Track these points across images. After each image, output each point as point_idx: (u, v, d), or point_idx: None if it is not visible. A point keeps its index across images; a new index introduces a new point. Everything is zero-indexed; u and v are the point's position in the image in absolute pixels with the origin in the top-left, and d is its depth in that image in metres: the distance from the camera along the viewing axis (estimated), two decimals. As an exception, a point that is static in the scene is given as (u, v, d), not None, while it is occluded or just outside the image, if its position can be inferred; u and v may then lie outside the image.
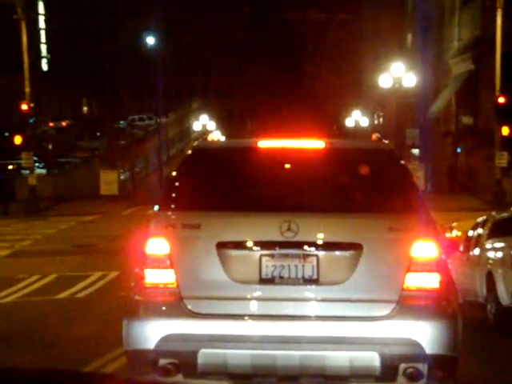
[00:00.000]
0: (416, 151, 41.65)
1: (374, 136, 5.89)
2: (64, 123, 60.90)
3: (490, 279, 9.61)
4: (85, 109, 73.03)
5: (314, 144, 5.34)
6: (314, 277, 4.74)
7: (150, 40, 53.97)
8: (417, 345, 4.61)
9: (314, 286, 4.75)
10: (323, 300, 4.73)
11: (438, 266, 4.74)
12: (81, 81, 57.60)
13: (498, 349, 9.18)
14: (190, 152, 5.47)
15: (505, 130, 27.88)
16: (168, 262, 4.74)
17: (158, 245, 4.79)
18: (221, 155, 5.39)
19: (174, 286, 4.76)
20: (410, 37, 44.94)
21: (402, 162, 5.48)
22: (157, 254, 4.77)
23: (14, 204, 31.05)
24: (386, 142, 5.97)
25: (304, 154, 5.27)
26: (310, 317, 4.72)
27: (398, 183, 5.17)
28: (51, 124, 55.44)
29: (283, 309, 4.72)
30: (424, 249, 4.73)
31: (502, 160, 28.22)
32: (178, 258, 4.74)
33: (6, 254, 19.46)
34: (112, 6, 58.73)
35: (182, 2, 66.94)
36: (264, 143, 5.34)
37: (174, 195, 5.11)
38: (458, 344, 4.79)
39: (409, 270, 4.70)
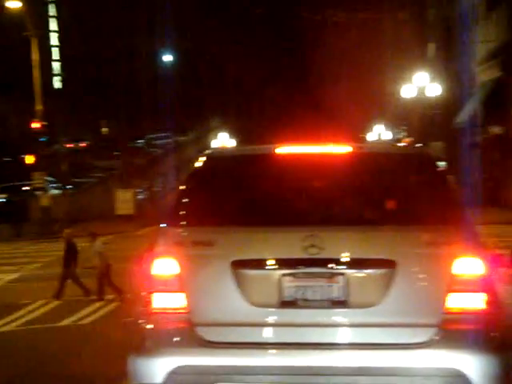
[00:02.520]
0: (442, 164, 40.52)
1: (407, 140, 5.05)
2: (83, 144, 60.68)
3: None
4: (104, 129, 72.97)
5: (340, 149, 4.76)
6: (342, 299, 4.27)
7: (168, 58, 53.52)
8: (462, 376, 4.09)
9: (342, 310, 4.26)
10: (353, 325, 4.24)
11: (485, 285, 4.26)
12: (97, 100, 57.33)
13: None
14: (200, 161, 4.87)
15: (537, 138, 26.63)
16: (177, 285, 4.31)
17: (165, 265, 4.35)
18: (235, 164, 4.84)
19: (185, 311, 4.30)
20: (432, 46, 44.00)
21: (441, 167, 4.84)
22: (165, 275, 4.33)
23: (27, 226, 30.39)
24: (421, 145, 5.15)
25: (328, 160, 4.70)
26: (339, 344, 4.25)
27: (437, 192, 4.62)
28: (70, 145, 55.13)
29: (308, 335, 4.24)
30: (468, 265, 4.23)
31: (535, 170, 27.05)
32: (188, 280, 4.31)
33: (11, 279, 18.67)
34: (129, 25, 58.52)
35: (201, 19, 66.70)
36: (283, 149, 4.77)
37: (183, 209, 4.60)
38: (510, 374, 4.20)
39: (450, 289, 4.24)
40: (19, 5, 30.60)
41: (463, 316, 4.21)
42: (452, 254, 4.24)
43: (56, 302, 15.52)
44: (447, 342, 4.16)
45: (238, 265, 4.27)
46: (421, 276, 4.24)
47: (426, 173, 4.77)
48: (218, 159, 4.97)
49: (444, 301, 4.22)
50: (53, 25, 40.68)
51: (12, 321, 13.86)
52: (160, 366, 4.23)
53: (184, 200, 4.67)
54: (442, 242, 4.27)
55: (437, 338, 4.17)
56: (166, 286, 4.30)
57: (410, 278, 4.23)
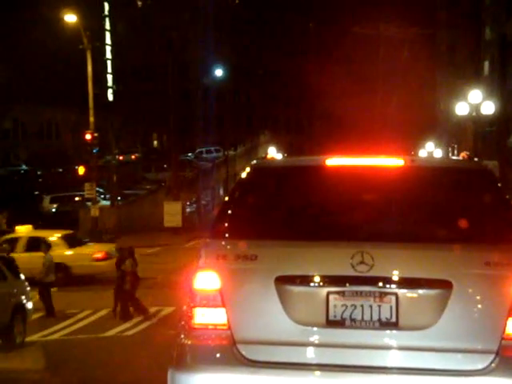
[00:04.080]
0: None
1: (464, 154, 4.99)
2: (133, 156, 61.40)
3: None
4: (155, 142, 73.86)
5: (392, 162, 4.53)
6: (393, 320, 4.02)
7: (219, 73, 53.87)
8: None
9: (392, 331, 4.02)
10: (403, 348, 4.00)
11: None
12: (148, 113, 58.05)
13: None
14: (246, 172, 4.69)
15: None
16: (219, 300, 4.14)
17: (206, 279, 4.18)
18: (282, 175, 4.63)
19: (226, 327, 4.12)
20: (487, 64, 43.35)
21: (499, 184, 4.55)
22: (206, 289, 4.17)
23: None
24: (477, 160, 5.04)
25: (380, 173, 4.47)
26: (388, 368, 3.99)
27: (496, 209, 4.34)
28: (121, 157, 55.84)
29: (355, 358, 4.01)
30: None
31: None
32: (230, 295, 4.16)
33: (60, 288, 18.87)
34: (181, 40, 59.20)
35: (253, 35, 67.12)
36: (333, 161, 4.55)
37: (226, 222, 4.41)
38: None
39: (511, 314, 3.97)
40: (75, 18, 31.27)
41: None
42: None
43: (104, 312, 15.63)
44: (506, 370, 3.92)
45: (283, 281, 4.10)
46: (478, 298, 4.02)
47: (486, 189, 4.49)
48: (264, 170, 4.79)
49: (504, 326, 3.98)
50: (107, 38, 41.38)
51: (59, 330, 14.01)
52: (199, 382, 4.09)
53: (228, 212, 4.51)
54: (503, 262, 4.04)
55: (495, 365, 3.94)
56: (207, 300, 4.17)
57: (466, 300, 4.01)
